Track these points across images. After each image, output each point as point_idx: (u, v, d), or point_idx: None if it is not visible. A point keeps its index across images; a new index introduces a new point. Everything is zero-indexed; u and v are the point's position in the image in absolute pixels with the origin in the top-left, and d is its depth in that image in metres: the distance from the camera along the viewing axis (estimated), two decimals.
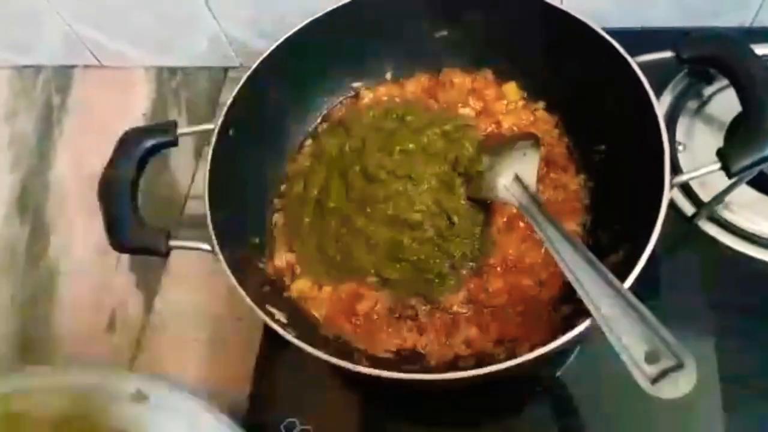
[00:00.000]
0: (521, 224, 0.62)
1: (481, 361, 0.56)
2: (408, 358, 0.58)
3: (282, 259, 0.64)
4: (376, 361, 0.57)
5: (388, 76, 0.74)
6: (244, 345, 0.69)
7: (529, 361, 0.47)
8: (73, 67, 0.98)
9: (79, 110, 0.95)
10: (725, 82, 0.69)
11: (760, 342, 0.60)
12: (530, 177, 0.57)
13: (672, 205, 0.66)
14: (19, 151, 0.93)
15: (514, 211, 0.62)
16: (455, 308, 0.60)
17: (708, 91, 0.72)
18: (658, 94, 0.68)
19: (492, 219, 0.63)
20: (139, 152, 0.57)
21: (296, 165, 0.70)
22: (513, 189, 0.57)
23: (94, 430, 0.54)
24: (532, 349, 0.47)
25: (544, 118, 0.68)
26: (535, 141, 0.60)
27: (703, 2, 0.76)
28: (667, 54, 0.56)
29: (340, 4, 0.65)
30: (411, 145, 0.64)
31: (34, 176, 0.90)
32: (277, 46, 0.64)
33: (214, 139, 0.59)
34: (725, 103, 0.69)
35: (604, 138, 0.63)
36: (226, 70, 0.94)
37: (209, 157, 0.59)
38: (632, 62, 0.56)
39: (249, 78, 0.63)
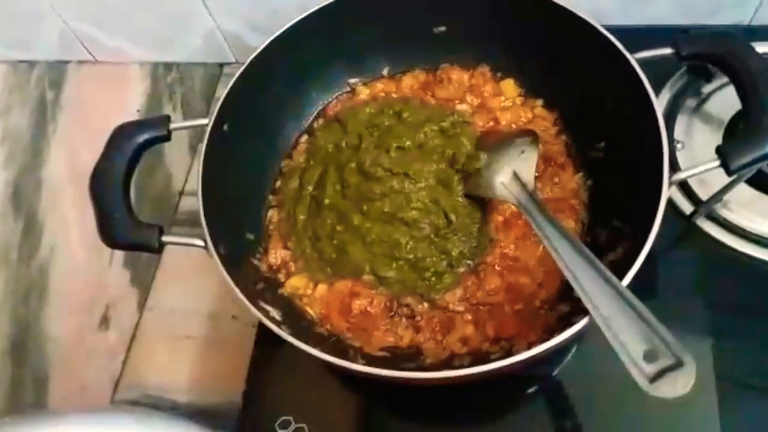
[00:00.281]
0: (519, 222, 0.62)
1: (477, 359, 0.55)
2: (404, 357, 0.58)
3: (277, 256, 0.64)
4: (371, 360, 0.57)
5: (385, 71, 0.73)
6: (238, 342, 0.68)
7: (525, 360, 0.46)
8: (67, 62, 0.97)
9: (73, 106, 0.94)
10: (724, 79, 0.69)
11: (758, 341, 0.60)
12: (528, 174, 0.57)
13: (670, 203, 0.66)
14: (13, 147, 0.92)
15: (512, 208, 0.61)
16: (452, 306, 0.59)
17: (707, 88, 0.72)
18: (657, 91, 0.67)
19: (490, 217, 0.62)
20: (131, 147, 0.57)
21: (291, 161, 0.70)
22: (511, 187, 0.57)
23: None
24: (528, 347, 0.46)
25: (543, 115, 0.68)
26: (534, 138, 0.60)
27: (702, 0, 0.76)
28: (666, 51, 0.56)
29: None
30: (407, 142, 0.63)
31: (28, 172, 0.90)
32: (272, 41, 0.64)
33: (207, 135, 0.59)
34: (724, 100, 0.69)
35: (602, 135, 0.63)
36: (221, 65, 0.93)
37: (202, 153, 0.58)
38: (631, 59, 0.56)
39: (243, 73, 0.62)
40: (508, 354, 0.48)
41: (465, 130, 0.65)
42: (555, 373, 0.60)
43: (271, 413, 0.61)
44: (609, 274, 0.46)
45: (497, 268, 0.60)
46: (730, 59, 0.53)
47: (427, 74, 0.72)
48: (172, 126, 0.59)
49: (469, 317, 0.58)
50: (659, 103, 0.58)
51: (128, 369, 0.73)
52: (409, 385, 0.54)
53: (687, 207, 0.66)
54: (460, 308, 0.59)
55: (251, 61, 0.63)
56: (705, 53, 0.56)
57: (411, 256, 0.59)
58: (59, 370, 0.75)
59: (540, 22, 0.63)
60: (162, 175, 0.85)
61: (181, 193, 0.84)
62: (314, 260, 0.62)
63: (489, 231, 0.62)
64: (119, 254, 0.80)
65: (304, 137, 0.71)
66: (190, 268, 0.75)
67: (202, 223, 0.54)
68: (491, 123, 0.68)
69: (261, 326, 0.51)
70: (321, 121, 0.72)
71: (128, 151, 0.56)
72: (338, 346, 0.58)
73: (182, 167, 0.85)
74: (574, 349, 0.61)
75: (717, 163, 0.51)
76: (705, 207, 0.65)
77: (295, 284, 0.62)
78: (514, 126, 0.67)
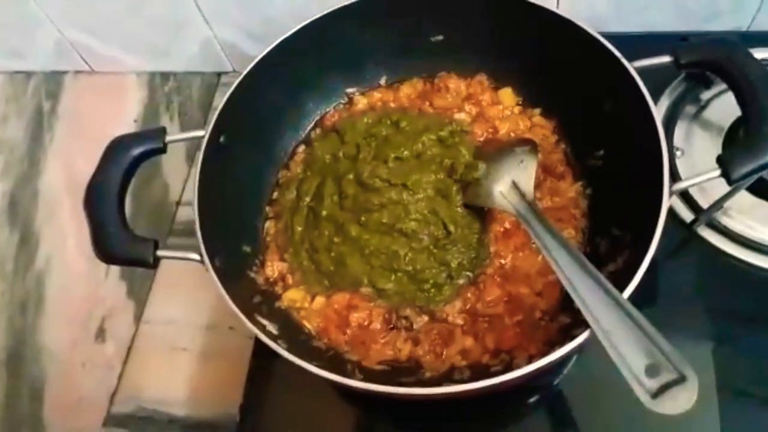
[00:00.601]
0: (519, 232, 0.61)
1: (476, 372, 0.54)
2: (403, 370, 0.57)
3: (273, 268, 0.63)
4: (369, 373, 0.56)
5: (383, 81, 0.73)
6: (236, 354, 0.68)
7: (526, 374, 0.45)
8: (64, 72, 0.97)
9: (70, 116, 0.94)
10: (723, 86, 0.69)
11: (759, 349, 0.60)
12: (527, 184, 0.56)
13: (671, 211, 0.66)
14: (9, 157, 0.92)
15: (512, 218, 0.61)
16: (451, 318, 0.59)
17: (706, 95, 0.71)
18: (656, 98, 0.67)
19: (489, 227, 0.62)
20: (126, 160, 0.56)
21: (289, 172, 0.69)
22: (510, 196, 0.56)
23: None
24: (529, 360, 0.46)
25: (541, 123, 0.68)
26: (533, 147, 0.59)
27: (700, 6, 0.76)
28: (665, 59, 0.56)
29: (334, 8, 0.65)
30: (406, 152, 0.63)
31: (24, 183, 0.89)
32: (270, 51, 0.63)
33: (204, 146, 0.58)
34: (723, 107, 0.69)
35: (601, 143, 0.62)
36: (219, 75, 0.93)
37: (199, 165, 0.58)
38: (630, 67, 0.56)
39: (240, 83, 0.62)
40: (509, 367, 0.48)
41: (463, 140, 0.64)
42: (556, 382, 0.60)
43: (268, 426, 0.60)
44: (609, 285, 0.45)
45: (497, 279, 0.60)
46: (728, 67, 0.53)
47: (425, 83, 0.72)
48: (168, 138, 0.58)
49: (469, 329, 0.58)
50: (658, 110, 0.58)
51: (124, 381, 0.73)
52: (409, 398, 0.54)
53: (687, 215, 0.66)
54: (460, 320, 0.58)
55: (249, 72, 0.62)
56: (704, 61, 0.55)
57: (410, 267, 0.59)
58: (55, 382, 0.74)
59: (537, 31, 0.63)
60: (159, 185, 0.85)
61: (178, 203, 0.83)
62: (312, 272, 0.62)
63: (488, 241, 0.61)
64: (116, 266, 0.80)
65: (302, 147, 0.71)
66: (186, 280, 0.74)
67: (198, 236, 0.54)
68: (490, 132, 0.67)
69: (258, 338, 0.51)
70: (318, 131, 0.72)
71: (124, 165, 0.56)
72: (336, 360, 0.57)
73: (179, 177, 0.85)
74: (575, 358, 0.60)
75: (718, 172, 0.50)
76: (706, 215, 0.64)
77: (293, 297, 0.61)
78: (512, 135, 0.67)
